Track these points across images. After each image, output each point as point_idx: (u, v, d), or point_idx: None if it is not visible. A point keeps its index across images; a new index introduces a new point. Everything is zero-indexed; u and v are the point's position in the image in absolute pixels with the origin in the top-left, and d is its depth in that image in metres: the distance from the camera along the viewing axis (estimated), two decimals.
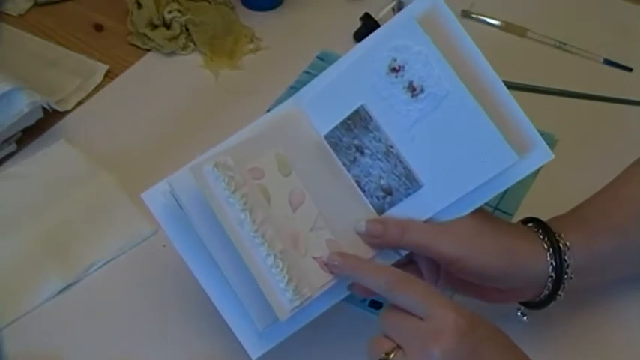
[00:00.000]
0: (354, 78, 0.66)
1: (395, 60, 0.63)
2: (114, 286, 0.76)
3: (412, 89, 0.63)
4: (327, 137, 0.67)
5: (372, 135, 0.65)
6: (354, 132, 0.66)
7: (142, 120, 0.92)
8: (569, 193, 0.72)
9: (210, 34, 1.01)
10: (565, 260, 0.64)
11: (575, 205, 0.70)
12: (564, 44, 1.01)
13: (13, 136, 0.87)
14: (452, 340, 0.53)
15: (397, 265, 0.65)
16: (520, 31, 1.03)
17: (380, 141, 0.65)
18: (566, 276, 0.64)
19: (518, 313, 0.69)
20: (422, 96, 0.63)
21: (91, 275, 0.77)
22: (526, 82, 0.94)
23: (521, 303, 0.69)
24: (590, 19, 1.06)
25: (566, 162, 0.75)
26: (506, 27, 1.04)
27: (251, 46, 1.03)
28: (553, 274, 0.64)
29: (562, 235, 0.65)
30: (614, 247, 0.67)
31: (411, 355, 0.54)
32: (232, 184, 0.61)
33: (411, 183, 0.64)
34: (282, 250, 0.61)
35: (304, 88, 0.69)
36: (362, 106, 0.65)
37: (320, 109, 0.67)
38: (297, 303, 0.60)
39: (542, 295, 0.66)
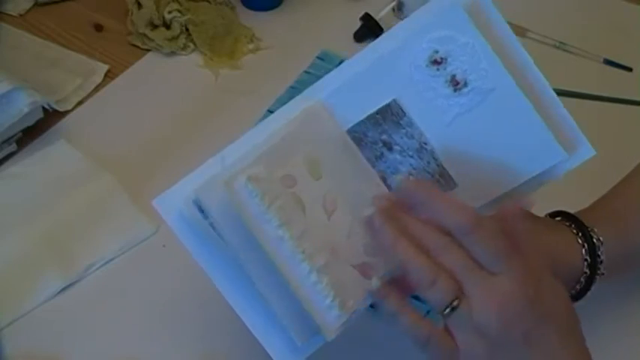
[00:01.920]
0: (387, 70, 0.61)
1: (437, 52, 0.60)
2: (114, 286, 0.76)
3: (455, 83, 0.60)
4: (349, 131, 0.63)
5: (403, 131, 0.62)
6: (382, 127, 0.62)
7: (142, 120, 0.92)
8: (570, 192, 0.72)
9: (210, 34, 1.01)
10: (599, 256, 0.63)
11: (601, 196, 0.69)
12: (564, 44, 1.01)
13: (13, 136, 0.87)
14: (518, 309, 0.50)
15: None
16: (520, 31, 1.03)
17: (412, 137, 0.62)
18: (598, 272, 0.64)
19: None
20: (465, 90, 0.60)
21: (91, 275, 0.77)
22: None
23: None
24: (590, 19, 1.06)
25: None
26: None
27: (251, 46, 1.03)
28: (587, 271, 0.63)
29: (595, 230, 0.64)
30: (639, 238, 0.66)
31: (474, 308, 0.51)
32: (267, 199, 0.57)
33: (445, 181, 0.62)
34: (324, 264, 0.57)
35: (322, 81, 0.63)
36: (394, 100, 0.61)
37: (343, 102, 0.62)
38: (344, 319, 0.57)
39: (572, 291, 0.65)
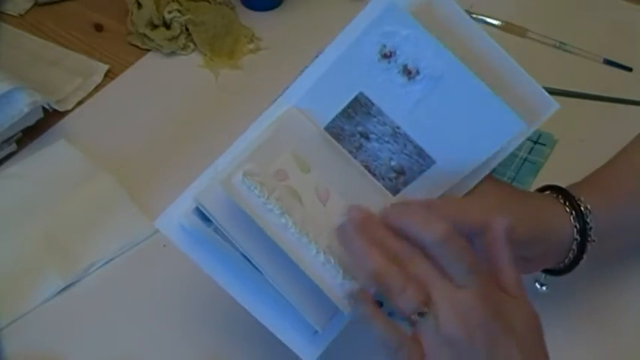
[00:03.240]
0: (346, 69, 0.65)
1: (385, 46, 0.63)
2: (114, 286, 0.76)
3: (408, 72, 0.63)
4: (327, 129, 0.67)
5: (375, 119, 0.65)
6: (355, 119, 0.65)
7: (142, 120, 0.92)
8: None
9: (210, 34, 1.01)
10: (587, 223, 0.65)
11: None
12: (564, 44, 1.01)
13: (13, 136, 0.87)
14: (483, 320, 0.52)
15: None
16: (520, 31, 1.03)
17: (385, 124, 0.65)
18: (589, 238, 0.65)
19: (537, 284, 0.69)
20: (419, 77, 0.63)
21: (91, 275, 0.77)
22: None
23: (545, 271, 0.69)
24: (590, 19, 1.06)
25: (566, 162, 0.75)
26: (506, 27, 1.04)
27: (251, 46, 1.03)
28: (578, 237, 0.65)
29: (582, 199, 0.66)
30: (632, 211, 0.68)
31: (441, 317, 0.52)
32: (265, 190, 0.61)
33: (423, 160, 0.64)
34: (328, 245, 0.60)
35: (291, 89, 0.68)
36: (360, 93, 0.65)
37: (315, 104, 0.67)
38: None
39: (566, 260, 0.66)
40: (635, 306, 0.73)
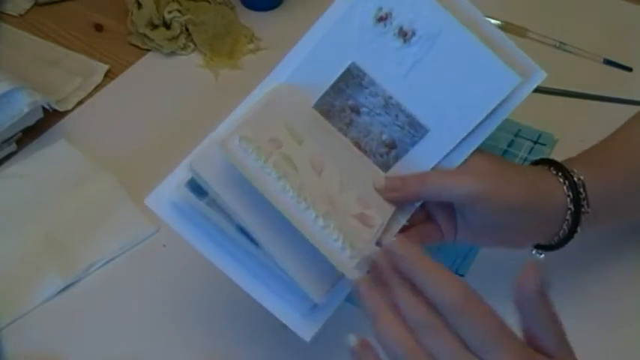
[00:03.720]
0: (339, 39, 0.65)
1: (381, 9, 0.63)
2: (114, 286, 0.76)
3: (403, 34, 0.63)
4: (316, 106, 0.66)
5: (367, 91, 0.65)
6: (346, 92, 0.65)
7: (142, 120, 0.92)
8: None
9: (210, 34, 1.01)
10: (581, 193, 0.65)
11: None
12: (564, 44, 1.01)
13: (13, 136, 0.87)
14: None
15: (414, 223, 0.66)
16: (520, 31, 1.03)
17: (377, 95, 0.65)
18: (583, 209, 0.65)
19: (533, 251, 0.70)
20: (414, 39, 0.63)
21: (91, 275, 0.77)
22: None
23: (539, 247, 0.69)
24: (590, 19, 1.06)
25: None
26: (506, 27, 1.04)
27: (251, 46, 1.03)
28: (572, 207, 0.65)
29: (575, 170, 0.66)
30: (624, 185, 0.69)
31: None
32: (263, 154, 0.60)
33: (415, 130, 0.64)
34: (327, 211, 0.60)
35: (281, 64, 0.67)
36: (353, 64, 0.65)
37: (306, 79, 0.66)
38: (357, 259, 0.58)
39: (560, 233, 0.67)
40: (628, 294, 0.74)
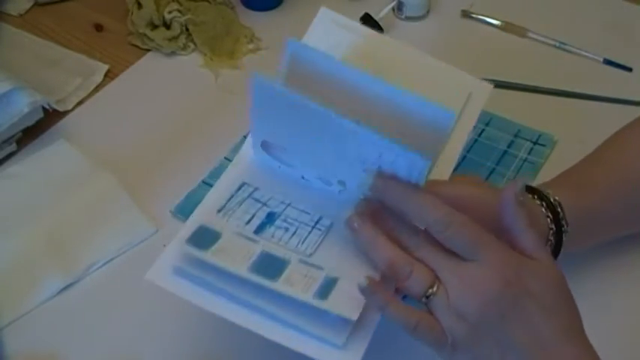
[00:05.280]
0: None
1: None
2: (114, 286, 0.76)
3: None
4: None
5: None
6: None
7: (142, 120, 0.92)
8: None
9: (210, 34, 1.01)
10: (559, 213, 0.66)
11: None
12: (564, 44, 1.01)
13: (13, 136, 0.87)
14: (493, 291, 0.54)
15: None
16: (520, 31, 1.03)
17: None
18: (563, 229, 0.66)
19: None
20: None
21: (91, 275, 0.77)
22: (526, 82, 0.94)
23: None
24: (590, 19, 1.06)
25: (566, 162, 0.75)
26: (506, 27, 1.04)
27: (251, 46, 1.03)
28: (553, 227, 0.66)
29: (549, 192, 0.67)
30: (604, 205, 0.69)
31: (450, 294, 0.55)
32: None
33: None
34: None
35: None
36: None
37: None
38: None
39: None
40: (617, 305, 0.74)
